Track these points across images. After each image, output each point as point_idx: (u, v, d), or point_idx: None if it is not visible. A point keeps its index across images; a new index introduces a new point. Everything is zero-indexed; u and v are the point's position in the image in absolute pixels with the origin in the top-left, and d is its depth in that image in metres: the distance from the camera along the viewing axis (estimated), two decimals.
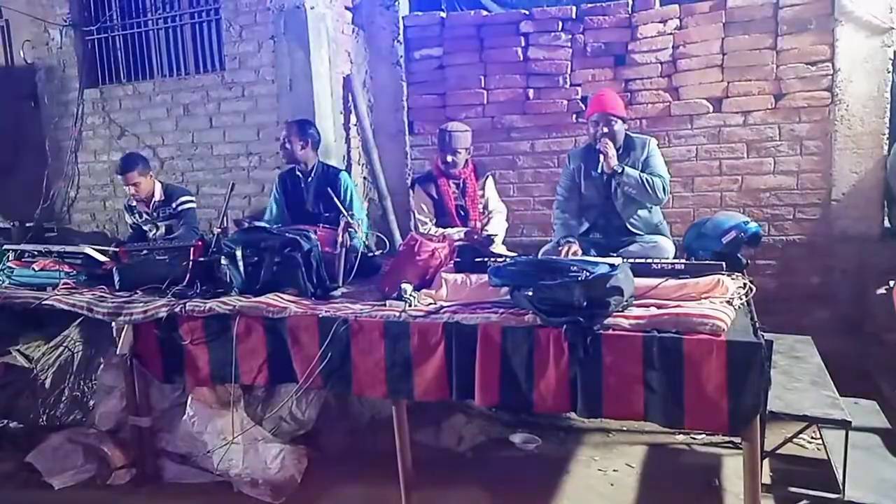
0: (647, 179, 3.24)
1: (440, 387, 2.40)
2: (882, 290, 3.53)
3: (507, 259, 2.84)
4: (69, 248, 3.63)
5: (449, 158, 3.61)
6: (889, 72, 3.73)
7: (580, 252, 3.17)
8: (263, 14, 4.55)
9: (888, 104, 3.76)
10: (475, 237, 3.46)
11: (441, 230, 3.54)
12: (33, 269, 3.47)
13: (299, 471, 3.03)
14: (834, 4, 3.78)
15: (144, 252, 3.35)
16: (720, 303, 2.27)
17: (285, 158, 3.82)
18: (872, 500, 2.31)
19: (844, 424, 2.34)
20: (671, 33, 4.16)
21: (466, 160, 3.71)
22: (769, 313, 3.19)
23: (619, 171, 3.24)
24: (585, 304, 2.13)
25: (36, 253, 3.61)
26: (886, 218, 3.87)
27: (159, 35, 5.10)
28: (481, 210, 3.73)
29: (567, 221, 3.46)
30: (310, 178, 3.78)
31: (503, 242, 3.72)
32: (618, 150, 3.31)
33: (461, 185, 3.71)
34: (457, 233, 3.52)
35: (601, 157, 3.25)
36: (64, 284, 3.30)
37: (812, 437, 3.07)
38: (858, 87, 3.79)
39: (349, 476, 3.00)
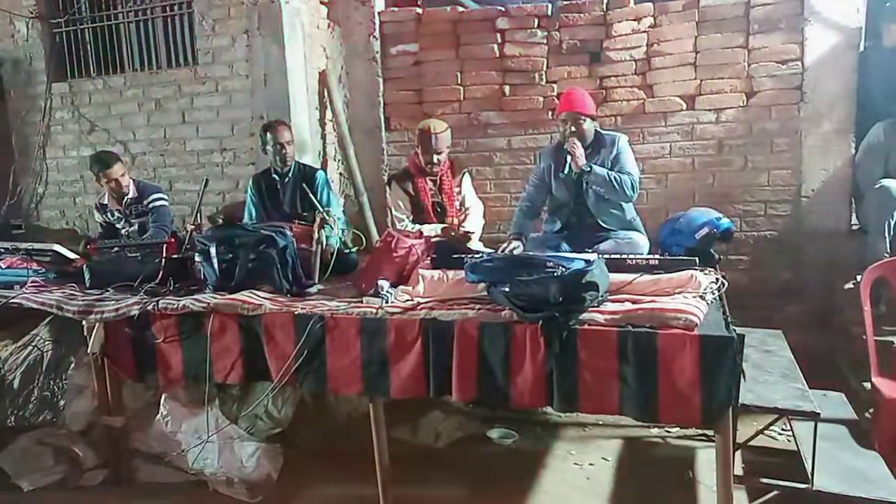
0: (615, 178, 3.25)
1: (417, 384, 2.40)
2: (850, 285, 3.63)
3: (484, 255, 2.85)
4: (38, 246, 3.54)
5: (434, 159, 3.60)
6: (856, 71, 3.81)
7: (521, 249, 3.27)
8: (237, 8, 4.49)
9: (855, 103, 3.83)
10: (452, 233, 3.47)
11: (418, 227, 3.54)
12: (0, 266, 3.39)
13: (275, 469, 3.01)
14: (803, 4, 3.85)
15: (116, 249, 3.29)
16: (693, 298, 2.30)
17: (281, 163, 3.68)
18: (839, 490, 2.37)
19: (813, 416, 2.38)
20: (645, 31, 4.20)
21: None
22: (741, 308, 3.25)
23: (588, 169, 3.26)
24: (561, 299, 2.15)
25: (3, 250, 3.53)
26: (854, 214, 3.95)
27: (130, 28, 5.01)
28: (458, 207, 3.73)
29: (527, 212, 3.55)
30: (287, 179, 3.74)
31: (480, 239, 3.73)
32: (587, 149, 3.33)
33: (438, 181, 3.70)
34: (433, 229, 3.52)
35: (569, 156, 3.26)
36: (32, 282, 3.23)
37: (783, 429, 3.13)
38: (827, 87, 3.87)
39: (326, 474, 2.99)
